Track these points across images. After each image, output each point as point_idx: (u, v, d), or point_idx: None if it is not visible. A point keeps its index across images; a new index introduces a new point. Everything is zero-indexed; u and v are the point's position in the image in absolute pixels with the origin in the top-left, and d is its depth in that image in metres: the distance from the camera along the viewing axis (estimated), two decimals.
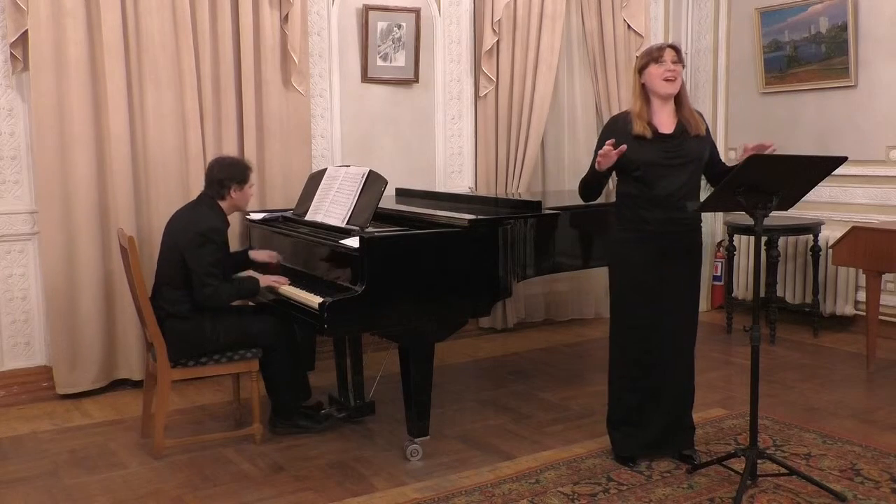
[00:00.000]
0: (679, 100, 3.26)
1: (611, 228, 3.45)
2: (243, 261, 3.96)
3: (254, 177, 3.79)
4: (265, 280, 3.70)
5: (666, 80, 3.17)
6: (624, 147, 3.11)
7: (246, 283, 3.72)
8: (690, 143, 3.22)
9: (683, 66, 3.25)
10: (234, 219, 4.65)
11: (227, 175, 3.65)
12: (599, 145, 3.30)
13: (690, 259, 3.35)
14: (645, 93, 3.24)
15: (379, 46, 5.22)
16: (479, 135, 5.67)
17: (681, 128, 3.23)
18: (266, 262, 4.00)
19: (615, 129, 3.28)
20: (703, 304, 6.42)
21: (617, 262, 3.40)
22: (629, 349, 3.37)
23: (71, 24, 4.20)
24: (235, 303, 4.05)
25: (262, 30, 4.73)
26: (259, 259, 3.99)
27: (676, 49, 3.22)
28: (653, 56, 3.19)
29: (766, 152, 3.07)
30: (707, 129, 3.32)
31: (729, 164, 3.36)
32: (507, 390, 4.50)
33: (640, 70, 3.23)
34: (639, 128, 3.18)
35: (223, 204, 3.68)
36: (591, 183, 3.33)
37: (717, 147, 3.47)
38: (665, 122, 3.24)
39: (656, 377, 3.35)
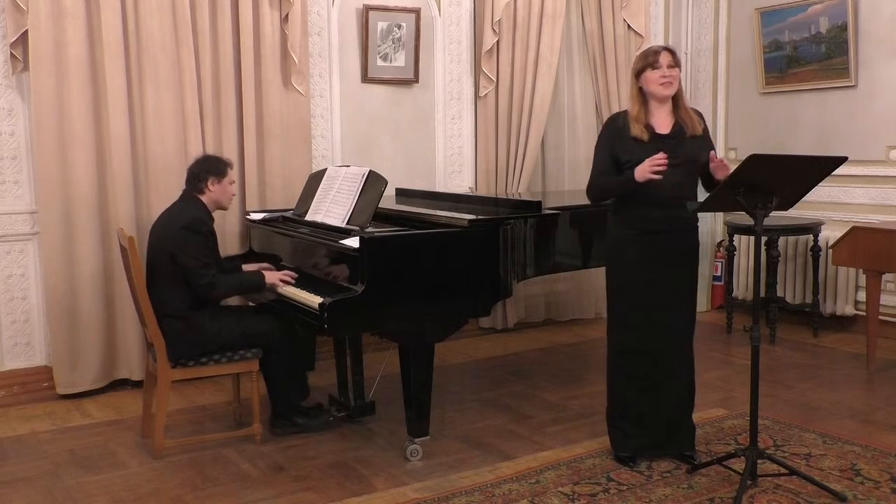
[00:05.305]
0: (676, 100, 3.30)
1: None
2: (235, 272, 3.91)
3: (233, 173, 3.79)
4: (272, 276, 3.69)
5: (662, 84, 3.21)
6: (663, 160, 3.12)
7: (251, 277, 3.72)
8: (687, 144, 3.24)
9: (680, 69, 3.27)
10: (233, 218, 4.69)
11: (204, 168, 3.69)
12: (601, 145, 3.34)
13: (687, 258, 3.37)
14: (642, 95, 3.28)
15: (379, 46, 5.22)
16: (479, 135, 5.67)
17: (678, 128, 3.27)
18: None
19: (615, 128, 3.32)
20: (703, 304, 6.41)
21: (614, 261, 3.42)
22: (627, 347, 3.37)
23: (71, 24, 4.19)
24: (235, 302, 4.06)
25: (262, 30, 4.72)
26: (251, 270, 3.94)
27: (672, 52, 3.25)
28: (649, 61, 3.23)
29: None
30: (706, 130, 3.34)
31: (728, 163, 3.36)
32: (507, 390, 4.50)
33: (637, 74, 3.27)
34: (636, 131, 3.23)
35: (203, 198, 3.69)
36: (616, 191, 3.31)
37: (717, 147, 3.48)
38: (662, 122, 3.27)
39: (655, 376, 3.35)
